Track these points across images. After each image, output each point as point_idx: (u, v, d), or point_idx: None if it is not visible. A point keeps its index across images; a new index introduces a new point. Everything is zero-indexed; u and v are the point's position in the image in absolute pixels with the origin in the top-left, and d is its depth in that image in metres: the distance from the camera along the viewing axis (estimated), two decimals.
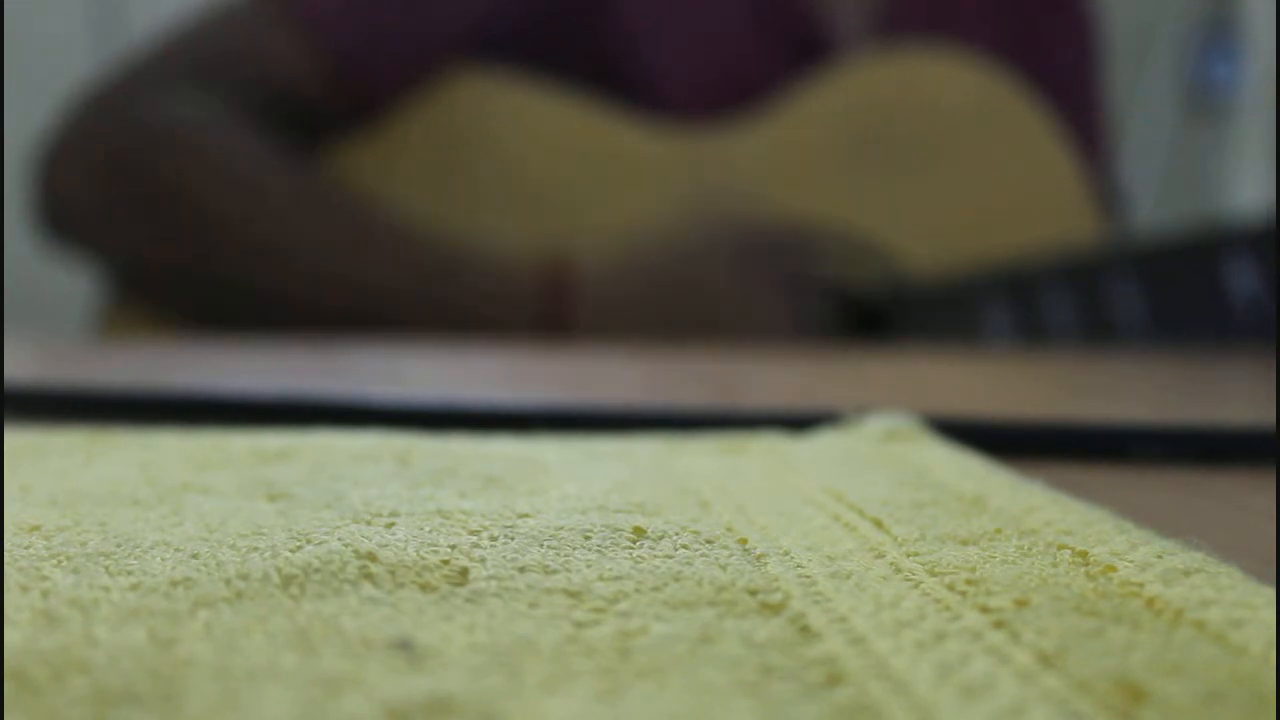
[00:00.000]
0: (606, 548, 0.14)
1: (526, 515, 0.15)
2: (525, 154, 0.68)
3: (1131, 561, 0.13)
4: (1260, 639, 0.10)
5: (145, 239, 0.64)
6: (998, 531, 0.14)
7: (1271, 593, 0.11)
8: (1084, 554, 0.13)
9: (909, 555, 0.13)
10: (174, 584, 0.12)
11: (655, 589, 0.12)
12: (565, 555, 0.13)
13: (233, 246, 0.62)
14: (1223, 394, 0.39)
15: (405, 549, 0.13)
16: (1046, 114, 0.70)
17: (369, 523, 0.15)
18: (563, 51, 0.71)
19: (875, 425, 0.23)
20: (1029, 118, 0.70)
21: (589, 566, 0.13)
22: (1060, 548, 0.14)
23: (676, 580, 0.12)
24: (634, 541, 0.14)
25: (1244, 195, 1.99)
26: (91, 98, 0.65)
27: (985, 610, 0.11)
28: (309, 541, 0.14)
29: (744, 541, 0.14)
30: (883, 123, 0.70)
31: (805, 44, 0.73)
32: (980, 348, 0.60)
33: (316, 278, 0.62)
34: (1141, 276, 0.60)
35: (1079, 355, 0.54)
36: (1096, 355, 0.53)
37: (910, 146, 0.70)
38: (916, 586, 0.12)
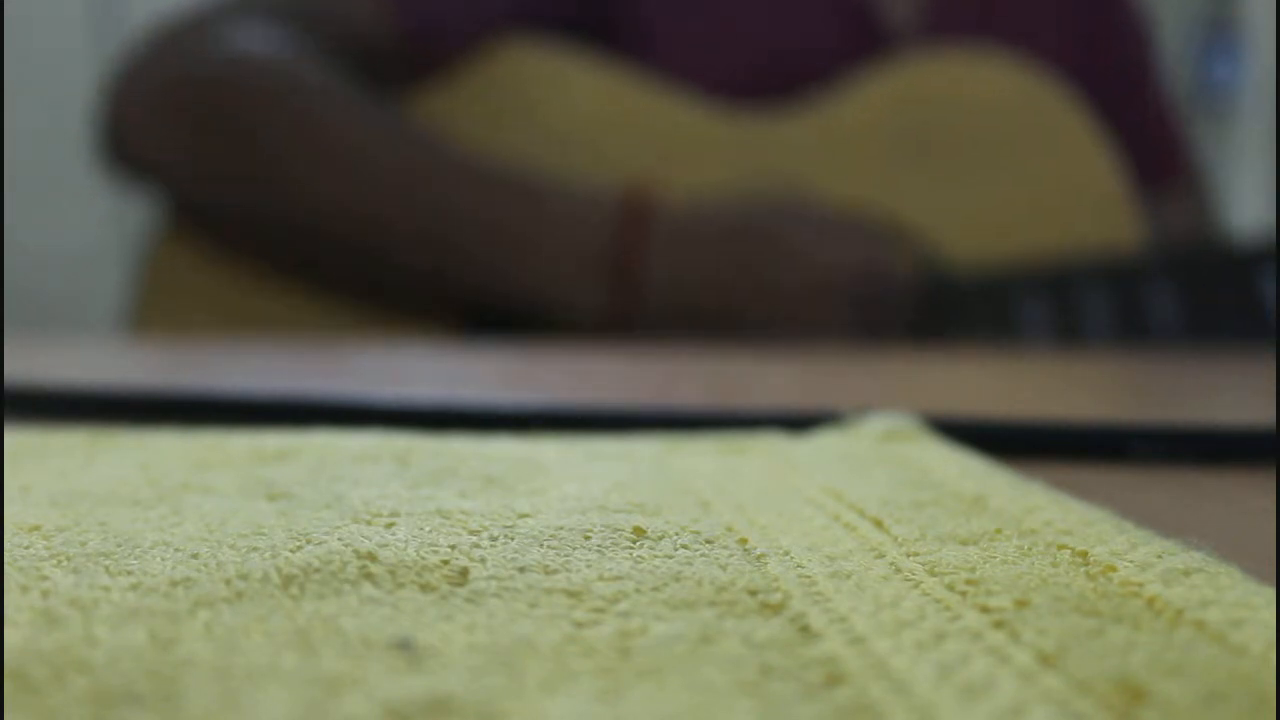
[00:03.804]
0: (606, 548, 0.14)
1: (526, 515, 0.15)
2: (567, 126, 0.69)
3: (1131, 561, 0.13)
4: (1260, 639, 0.10)
5: (210, 169, 0.64)
6: (998, 531, 0.14)
7: (1271, 593, 0.11)
8: (1084, 554, 0.13)
9: (909, 555, 0.13)
10: (174, 584, 0.12)
11: (655, 589, 0.12)
12: (565, 555, 0.13)
13: (301, 179, 0.62)
14: (1225, 394, 0.39)
15: (405, 549, 0.13)
16: (1089, 116, 0.71)
17: (369, 523, 0.15)
18: (603, 32, 0.71)
19: (875, 425, 0.23)
20: (1072, 120, 0.71)
21: (589, 566, 0.13)
22: (1060, 548, 0.14)
23: (676, 580, 0.12)
24: (634, 541, 0.14)
25: (1244, 195, 1.99)
26: (163, 34, 0.66)
27: (985, 610, 0.11)
28: (309, 541, 0.14)
29: (744, 541, 0.14)
30: (927, 120, 0.70)
31: (862, 35, 0.74)
32: (1016, 346, 0.61)
33: (390, 203, 0.62)
34: (1178, 281, 0.60)
35: (1100, 356, 0.54)
36: (1120, 356, 0.53)
37: (954, 145, 0.70)
38: (916, 586, 0.12)
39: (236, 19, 0.66)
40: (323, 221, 0.63)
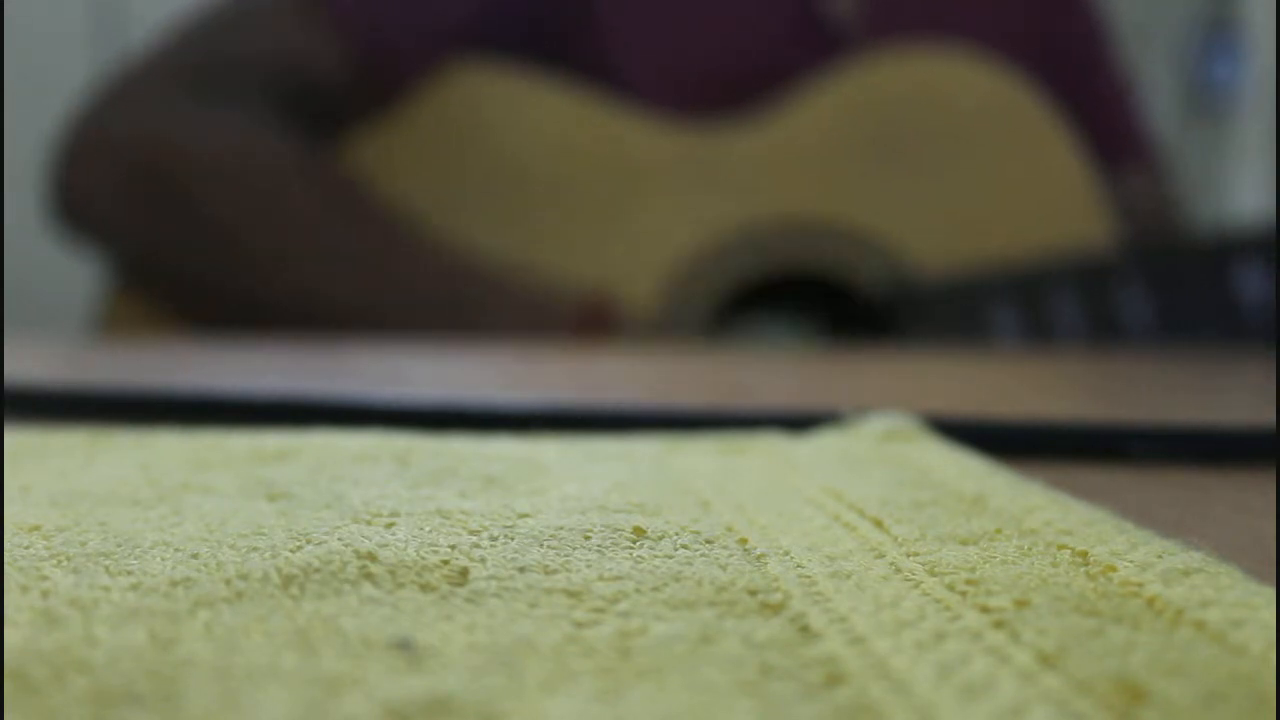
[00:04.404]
0: (606, 548, 0.14)
1: (526, 515, 0.15)
2: (525, 147, 0.69)
3: (1131, 561, 0.13)
4: (1260, 639, 0.10)
5: (163, 247, 0.65)
6: (998, 531, 0.14)
7: (1271, 593, 0.11)
8: (1084, 554, 0.13)
9: (909, 555, 0.13)
10: (174, 584, 0.12)
11: (655, 589, 0.12)
12: (565, 555, 0.13)
13: (252, 265, 0.63)
14: (1224, 394, 0.39)
15: (405, 549, 0.13)
16: (1056, 114, 0.70)
17: (369, 523, 0.15)
18: (556, 45, 0.71)
19: (875, 425, 0.23)
20: (1039, 118, 0.70)
21: (589, 566, 0.13)
22: (1060, 548, 0.14)
23: (676, 580, 0.12)
24: (634, 541, 0.14)
25: (1244, 195, 1.99)
26: (113, 93, 0.66)
27: (985, 610, 0.11)
28: (309, 541, 0.14)
29: (744, 541, 0.14)
30: (893, 121, 0.70)
31: (807, 29, 0.73)
32: (986, 348, 0.60)
33: (345, 305, 0.63)
34: (1149, 279, 0.60)
35: (1082, 356, 0.54)
36: (1100, 356, 0.53)
37: (920, 145, 0.70)
38: (916, 586, 0.12)
39: (185, 79, 0.66)
40: (270, 293, 0.63)
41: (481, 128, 0.69)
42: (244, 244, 0.63)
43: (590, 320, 0.62)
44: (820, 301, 0.71)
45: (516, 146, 0.69)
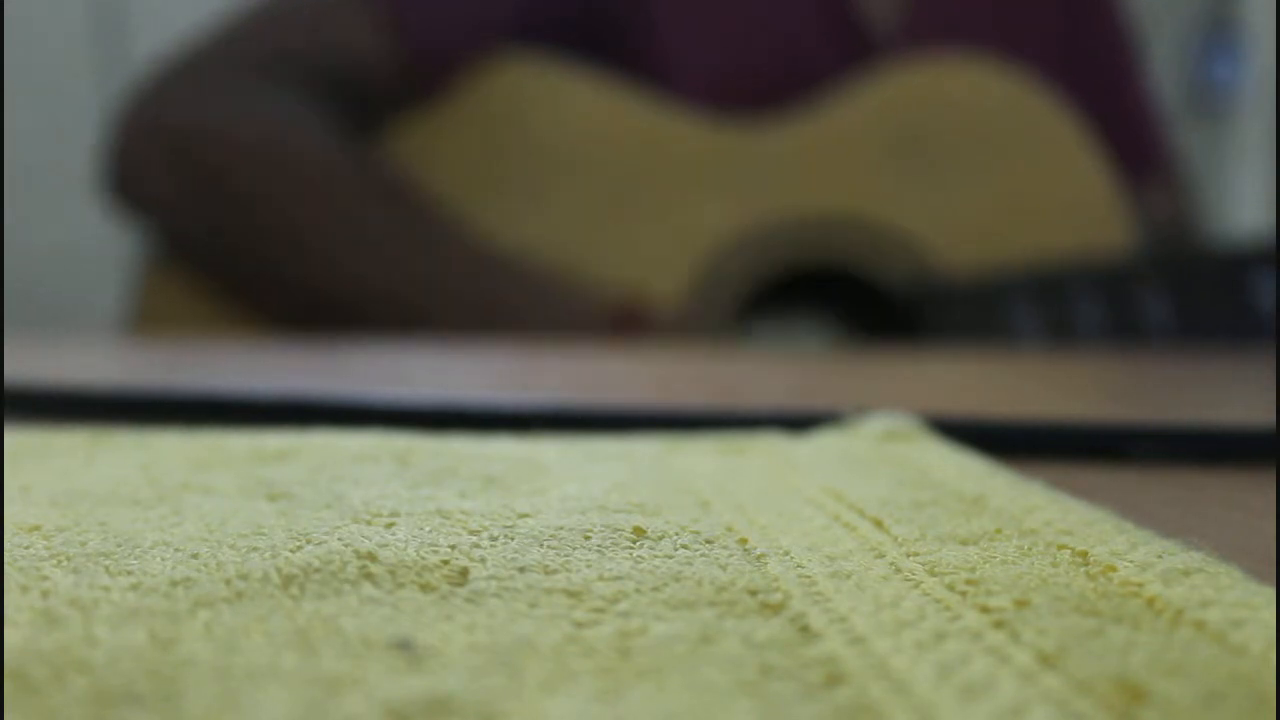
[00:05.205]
0: (606, 548, 0.14)
1: (526, 515, 0.15)
2: (562, 139, 0.70)
3: (1131, 561, 0.13)
4: (1260, 639, 0.10)
5: (208, 230, 0.66)
6: (998, 531, 0.14)
7: (1271, 593, 0.11)
8: (1084, 554, 0.13)
9: (909, 555, 0.13)
10: (174, 584, 0.12)
11: (655, 589, 0.12)
12: (565, 555, 0.13)
13: (298, 251, 0.64)
14: (1237, 395, 0.39)
15: (405, 549, 0.13)
16: (1080, 124, 0.71)
17: (369, 523, 0.15)
18: (602, 41, 0.72)
19: (875, 425, 0.23)
20: (1062, 128, 0.71)
21: (589, 566, 0.13)
22: (1060, 548, 0.14)
23: (676, 580, 0.12)
24: (634, 541, 0.14)
25: (1244, 195, 1.99)
26: (166, 79, 0.68)
27: (985, 610, 0.11)
28: (309, 541, 0.14)
29: (744, 541, 0.14)
30: (918, 126, 0.71)
31: (845, 33, 0.74)
32: (1008, 347, 0.61)
33: (379, 292, 0.64)
34: (1170, 283, 0.61)
35: (1099, 357, 0.54)
36: (1118, 357, 0.54)
37: (944, 150, 0.71)
38: (916, 586, 0.12)
39: (238, 67, 0.67)
40: (311, 278, 0.64)
41: (520, 119, 0.70)
42: (285, 230, 0.64)
43: (624, 322, 0.63)
44: (845, 299, 0.71)
45: (554, 138, 0.70)
